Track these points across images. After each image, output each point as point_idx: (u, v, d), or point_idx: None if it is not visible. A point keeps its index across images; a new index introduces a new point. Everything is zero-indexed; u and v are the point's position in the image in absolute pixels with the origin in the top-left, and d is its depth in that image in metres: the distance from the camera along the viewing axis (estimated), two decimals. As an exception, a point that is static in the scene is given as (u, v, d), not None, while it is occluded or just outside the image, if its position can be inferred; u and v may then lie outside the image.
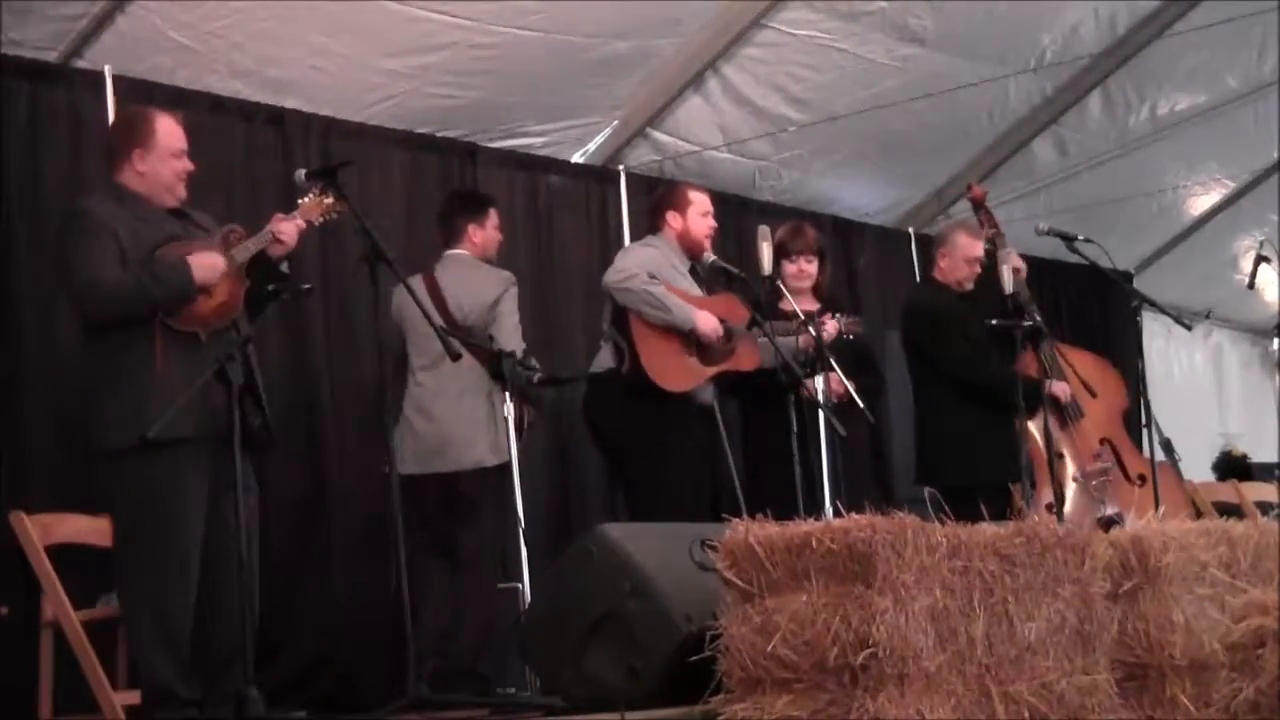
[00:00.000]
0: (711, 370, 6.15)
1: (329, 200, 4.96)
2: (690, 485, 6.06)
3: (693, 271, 6.29)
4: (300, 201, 4.97)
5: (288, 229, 4.88)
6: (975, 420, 6.29)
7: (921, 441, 6.71)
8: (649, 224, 6.51)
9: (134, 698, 5.00)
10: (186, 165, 4.94)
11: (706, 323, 6.06)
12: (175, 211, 4.92)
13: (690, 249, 6.29)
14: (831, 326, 6.19)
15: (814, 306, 6.37)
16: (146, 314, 4.64)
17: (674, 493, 5.89)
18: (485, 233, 6.25)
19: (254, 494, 4.82)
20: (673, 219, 6.29)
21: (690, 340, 6.08)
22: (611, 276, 6.12)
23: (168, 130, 4.91)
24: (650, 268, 6.12)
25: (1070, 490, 6.32)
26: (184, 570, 4.65)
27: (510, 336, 5.89)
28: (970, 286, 6.64)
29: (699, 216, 6.31)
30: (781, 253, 6.40)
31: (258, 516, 4.88)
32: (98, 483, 5.02)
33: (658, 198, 6.60)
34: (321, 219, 4.99)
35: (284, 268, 4.95)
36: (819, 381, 5.81)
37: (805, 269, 6.50)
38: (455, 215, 6.27)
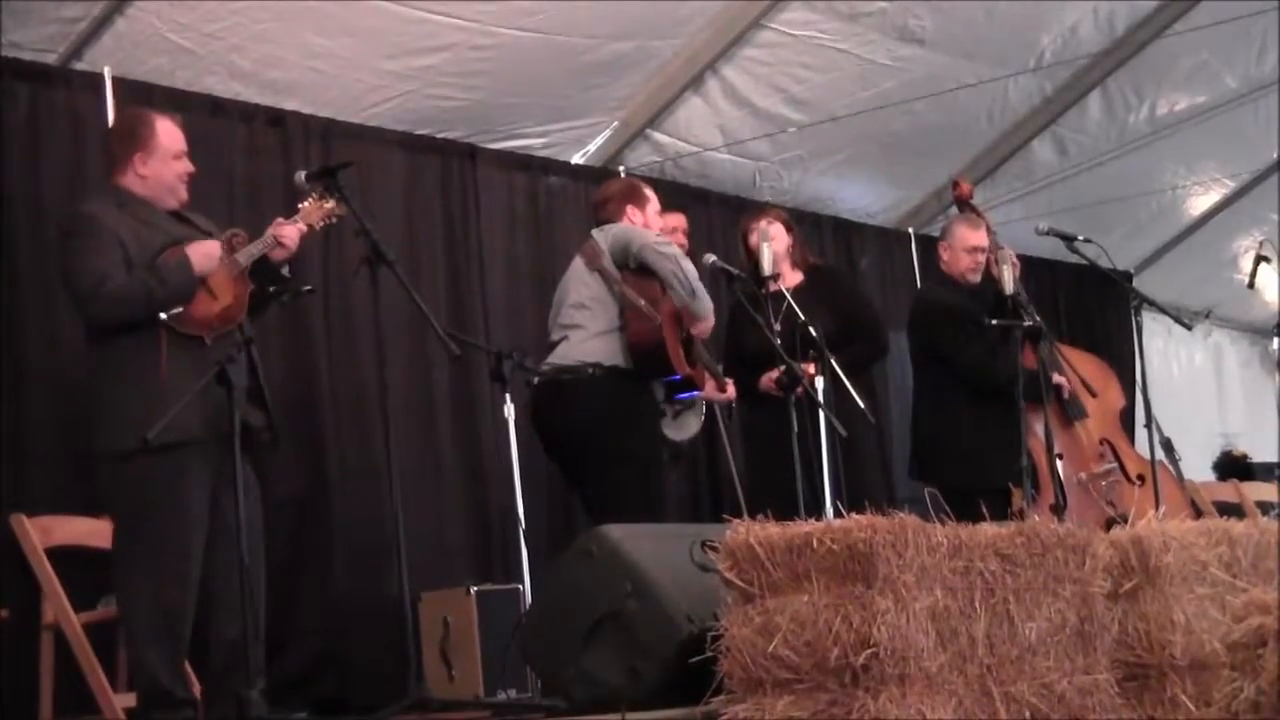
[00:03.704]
0: (688, 370, 5.93)
1: (329, 204, 4.99)
2: (660, 493, 5.91)
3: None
4: (301, 205, 4.99)
5: (289, 233, 4.90)
6: (983, 421, 6.27)
7: (923, 438, 6.70)
8: (599, 216, 6.10)
9: (134, 700, 5.00)
10: (187, 167, 4.96)
11: (711, 321, 6.01)
12: (176, 214, 4.94)
13: None
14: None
15: (798, 279, 6.37)
16: (152, 315, 4.65)
17: (647, 499, 5.66)
18: None
19: (255, 493, 4.84)
20: (633, 214, 6.05)
21: (683, 332, 5.95)
22: (648, 236, 5.89)
23: (168, 132, 4.93)
24: None
25: (1072, 491, 6.32)
26: (183, 571, 4.66)
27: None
28: (976, 279, 6.62)
29: (655, 215, 6.15)
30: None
31: (260, 515, 4.90)
32: (100, 484, 5.03)
33: (616, 190, 6.22)
34: (322, 223, 5.01)
35: (285, 271, 4.97)
36: (820, 381, 5.80)
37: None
38: None
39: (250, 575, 4.60)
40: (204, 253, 4.76)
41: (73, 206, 5.23)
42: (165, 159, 4.90)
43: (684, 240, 6.67)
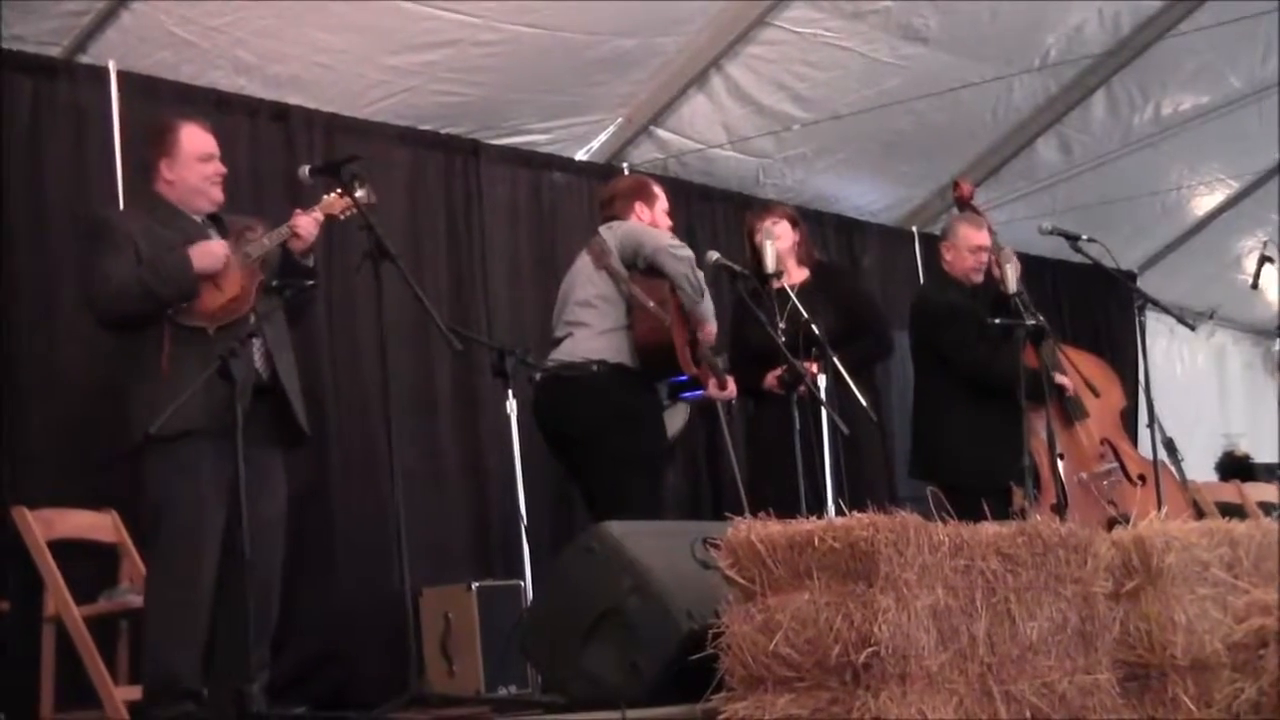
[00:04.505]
0: (694, 370, 5.92)
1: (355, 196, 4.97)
2: (661, 490, 5.91)
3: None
4: (325, 197, 4.99)
5: (305, 223, 4.90)
6: (984, 420, 6.26)
7: (925, 437, 6.69)
8: (606, 213, 6.08)
9: (135, 693, 5.01)
10: (217, 168, 4.98)
11: (714, 325, 5.98)
12: (213, 217, 4.95)
13: None
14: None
15: (804, 276, 6.37)
16: (152, 310, 4.67)
17: (649, 496, 5.66)
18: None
19: (282, 490, 4.86)
20: (641, 211, 6.03)
21: (690, 333, 5.93)
22: (661, 239, 5.87)
23: (191, 136, 4.95)
24: None
25: (1073, 490, 6.31)
26: (193, 563, 4.67)
27: None
28: (979, 279, 6.61)
29: (664, 214, 6.12)
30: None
31: (284, 512, 4.91)
32: (114, 479, 5.04)
33: (625, 187, 6.22)
34: (343, 215, 5.00)
35: (310, 262, 4.97)
36: (822, 379, 5.80)
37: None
38: None
39: (259, 570, 4.61)
40: (205, 250, 4.76)
41: (90, 210, 5.24)
42: (189, 162, 4.91)
43: None
